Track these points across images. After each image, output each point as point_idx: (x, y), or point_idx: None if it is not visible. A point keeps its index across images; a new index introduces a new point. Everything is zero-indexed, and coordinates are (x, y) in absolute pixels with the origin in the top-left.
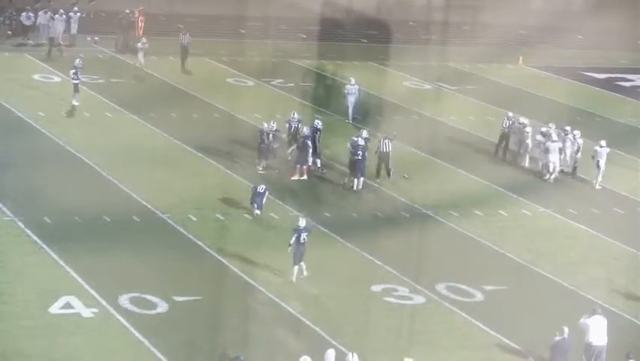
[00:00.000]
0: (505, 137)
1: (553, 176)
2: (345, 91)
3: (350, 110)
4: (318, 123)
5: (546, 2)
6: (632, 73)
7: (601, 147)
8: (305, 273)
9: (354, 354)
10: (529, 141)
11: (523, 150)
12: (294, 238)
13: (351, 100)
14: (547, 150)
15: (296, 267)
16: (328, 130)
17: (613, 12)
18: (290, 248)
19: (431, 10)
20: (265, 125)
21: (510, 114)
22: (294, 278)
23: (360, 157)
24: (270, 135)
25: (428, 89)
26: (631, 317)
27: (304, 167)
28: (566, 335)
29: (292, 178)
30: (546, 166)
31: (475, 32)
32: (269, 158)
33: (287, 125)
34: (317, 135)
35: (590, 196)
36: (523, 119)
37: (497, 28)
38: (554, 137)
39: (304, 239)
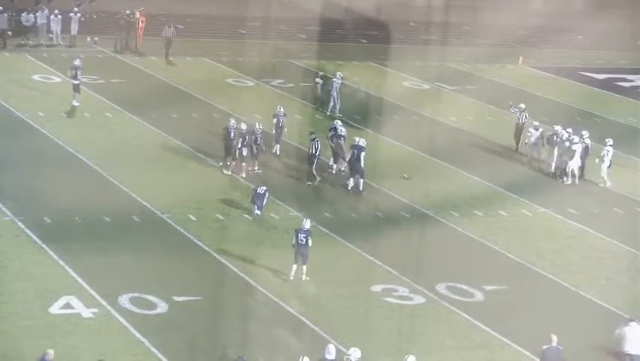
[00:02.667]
0: (519, 129)
1: (572, 179)
2: (330, 84)
3: (333, 103)
4: (338, 123)
5: (546, 2)
6: (632, 73)
7: (610, 145)
8: (304, 277)
9: (356, 349)
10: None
11: (546, 156)
12: (294, 239)
13: (333, 94)
14: (570, 154)
15: (294, 266)
16: (326, 130)
17: (613, 12)
18: (293, 248)
19: (431, 11)
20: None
21: (522, 106)
22: (291, 277)
23: (356, 157)
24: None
25: (428, 89)
26: (631, 316)
27: (243, 163)
28: (554, 344)
29: (242, 175)
30: (564, 169)
31: (475, 32)
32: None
33: (274, 120)
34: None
35: (590, 196)
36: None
37: (497, 28)
38: (576, 139)
39: (301, 240)
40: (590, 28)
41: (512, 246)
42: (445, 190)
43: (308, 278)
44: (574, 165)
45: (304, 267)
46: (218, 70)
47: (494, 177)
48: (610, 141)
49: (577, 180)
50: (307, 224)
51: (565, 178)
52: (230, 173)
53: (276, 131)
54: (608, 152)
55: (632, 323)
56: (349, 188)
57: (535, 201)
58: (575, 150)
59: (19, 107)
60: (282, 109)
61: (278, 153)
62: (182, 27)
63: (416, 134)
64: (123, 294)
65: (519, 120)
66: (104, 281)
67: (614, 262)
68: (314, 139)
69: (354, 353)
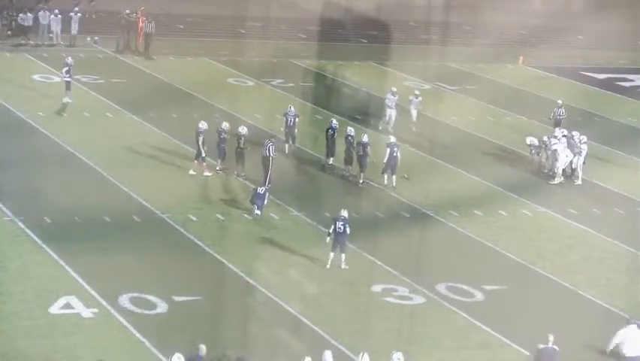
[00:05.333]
0: (557, 123)
1: (558, 179)
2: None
3: (387, 118)
4: (350, 129)
5: (546, 2)
6: (632, 73)
7: (584, 142)
8: (343, 265)
9: (365, 354)
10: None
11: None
12: (332, 227)
13: (391, 112)
14: (554, 153)
15: (332, 254)
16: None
17: (613, 12)
18: (328, 238)
19: (431, 10)
20: (225, 125)
21: (560, 102)
22: (328, 265)
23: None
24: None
25: (428, 89)
26: (630, 317)
27: (203, 163)
28: (550, 344)
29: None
30: (552, 169)
31: (475, 32)
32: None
33: (284, 119)
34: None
35: (590, 196)
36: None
37: (497, 28)
38: (554, 140)
39: (339, 228)
40: (590, 28)
41: (512, 246)
42: (445, 190)
43: (347, 267)
44: (559, 165)
45: (343, 255)
46: (218, 70)
47: (494, 177)
48: (584, 138)
49: (561, 179)
50: (345, 212)
51: (555, 178)
52: (208, 173)
53: (285, 130)
54: (583, 149)
55: (631, 326)
56: (386, 183)
57: (535, 201)
58: (555, 150)
59: (19, 107)
60: (292, 108)
61: (287, 151)
62: (182, 27)
63: (416, 134)
64: (123, 294)
65: (557, 115)
66: (104, 281)
67: (614, 262)
68: (271, 142)
69: (364, 359)
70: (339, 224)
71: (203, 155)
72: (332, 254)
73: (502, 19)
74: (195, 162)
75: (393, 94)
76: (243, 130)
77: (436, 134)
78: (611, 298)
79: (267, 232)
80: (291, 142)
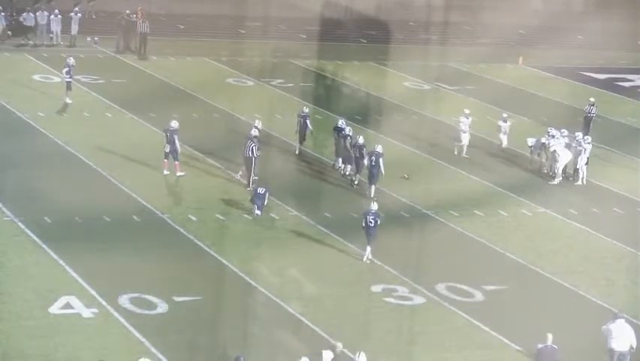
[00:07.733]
0: (587, 121)
1: (558, 179)
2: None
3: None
4: (357, 134)
5: (546, 2)
6: (632, 73)
7: (588, 142)
8: (369, 257)
9: (361, 353)
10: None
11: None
12: (363, 221)
13: (465, 137)
14: (554, 153)
15: (368, 247)
16: (325, 129)
17: (613, 12)
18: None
19: (431, 10)
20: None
21: (592, 100)
22: (364, 258)
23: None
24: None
25: (428, 89)
26: (631, 317)
27: (176, 162)
28: (549, 343)
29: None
30: (552, 169)
31: (475, 32)
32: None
33: (298, 120)
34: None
35: (590, 196)
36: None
37: (497, 28)
38: (553, 140)
39: (370, 222)
40: (590, 28)
41: (512, 246)
42: (445, 190)
43: (371, 260)
44: (559, 165)
45: (369, 248)
46: (218, 70)
47: (494, 177)
48: (588, 139)
49: (559, 179)
50: (374, 206)
51: (555, 179)
52: (180, 174)
53: (300, 131)
54: (586, 149)
55: (618, 320)
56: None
57: (535, 201)
58: (555, 150)
59: (19, 107)
60: (306, 109)
61: (297, 152)
62: (182, 27)
63: (416, 134)
64: (123, 294)
65: (588, 113)
66: (104, 281)
67: (614, 262)
68: (253, 142)
69: (360, 358)
70: (370, 218)
71: (178, 153)
72: (369, 248)
73: (502, 19)
74: (165, 160)
75: (466, 116)
76: (254, 132)
77: (435, 134)
78: (611, 298)
79: (267, 231)
80: (301, 143)
